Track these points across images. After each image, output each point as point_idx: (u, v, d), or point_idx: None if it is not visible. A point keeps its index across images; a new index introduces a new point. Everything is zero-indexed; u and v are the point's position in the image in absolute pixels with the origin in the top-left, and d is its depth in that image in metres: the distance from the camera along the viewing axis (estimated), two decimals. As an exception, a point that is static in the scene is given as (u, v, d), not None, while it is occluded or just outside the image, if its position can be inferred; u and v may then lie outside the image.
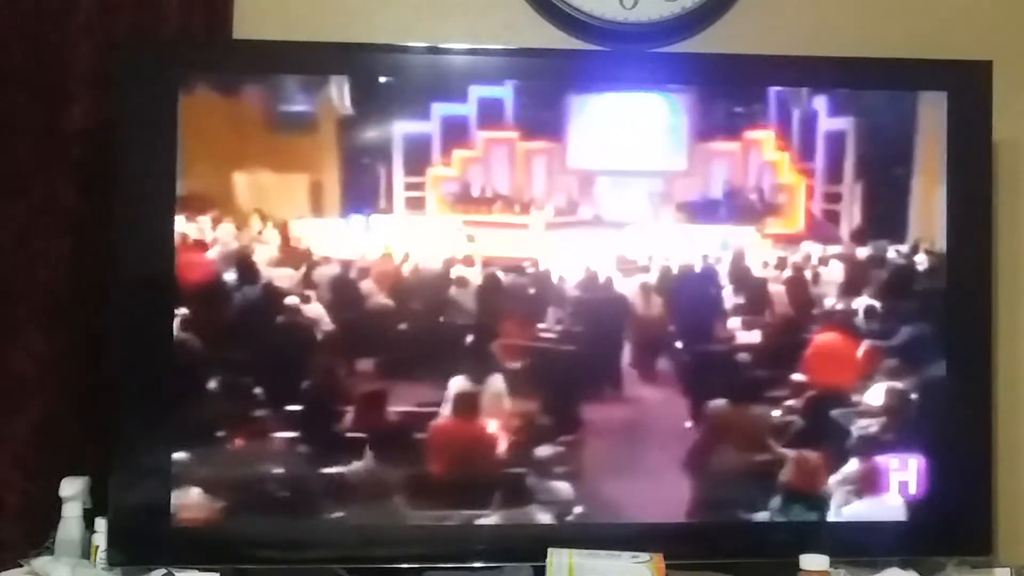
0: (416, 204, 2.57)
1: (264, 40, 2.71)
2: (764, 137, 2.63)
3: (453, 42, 2.64)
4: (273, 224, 2.54)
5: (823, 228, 2.65)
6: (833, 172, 2.65)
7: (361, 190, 2.56)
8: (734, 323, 2.64)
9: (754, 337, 2.64)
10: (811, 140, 2.64)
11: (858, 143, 2.64)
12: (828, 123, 2.64)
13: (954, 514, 2.63)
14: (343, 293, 2.57)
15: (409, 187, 2.57)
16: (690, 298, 2.65)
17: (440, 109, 2.58)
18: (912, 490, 2.63)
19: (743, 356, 2.64)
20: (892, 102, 2.66)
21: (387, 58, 2.60)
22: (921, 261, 2.65)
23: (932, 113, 2.65)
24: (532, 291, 2.61)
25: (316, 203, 2.55)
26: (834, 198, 2.65)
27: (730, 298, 2.64)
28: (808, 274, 2.64)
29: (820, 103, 2.64)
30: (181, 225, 2.50)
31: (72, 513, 2.50)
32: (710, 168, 2.64)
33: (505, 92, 2.59)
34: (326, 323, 2.55)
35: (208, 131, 2.53)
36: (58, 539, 2.49)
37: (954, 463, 2.64)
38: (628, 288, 2.61)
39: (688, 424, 2.62)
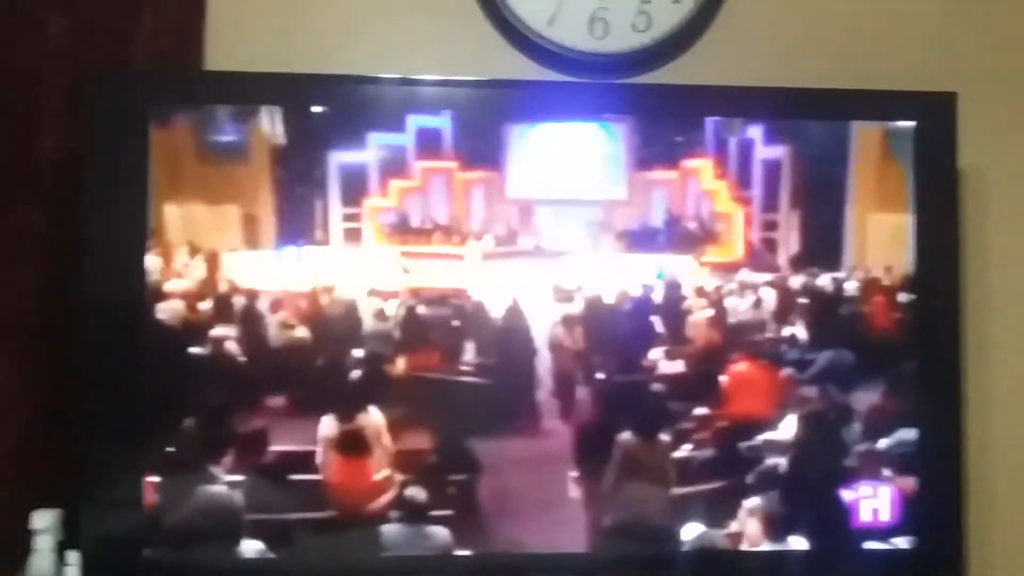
0: (353, 235, 2.59)
1: (237, 72, 2.70)
2: (702, 166, 2.66)
3: (427, 73, 2.65)
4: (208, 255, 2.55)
5: (761, 256, 2.67)
6: (770, 200, 2.68)
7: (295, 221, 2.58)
8: (657, 353, 2.65)
9: (681, 366, 2.65)
10: (747, 169, 2.67)
11: (795, 172, 2.68)
12: (764, 151, 2.68)
13: (926, 538, 2.65)
14: (261, 327, 2.58)
15: (346, 218, 2.58)
16: (619, 328, 2.66)
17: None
18: (884, 517, 2.65)
19: (670, 386, 2.65)
20: (829, 131, 2.70)
21: (328, 88, 2.61)
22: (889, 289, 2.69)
23: (868, 142, 2.69)
24: (455, 323, 2.62)
25: (250, 235, 2.56)
26: (770, 226, 2.68)
27: (660, 327, 2.65)
28: (753, 300, 2.67)
29: (756, 132, 2.68)
30: (151, 255, 2.50)
31: (44, 546, 2.48)
32: (650, 197, 2.67)
33: (443, 122, 2.61)
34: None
35: (179, 161, 2.54)
36: (30, 572, 2.48)
37: (925, 490, 2.66)
38: (551, 319, 2.62)
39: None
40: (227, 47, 2.77)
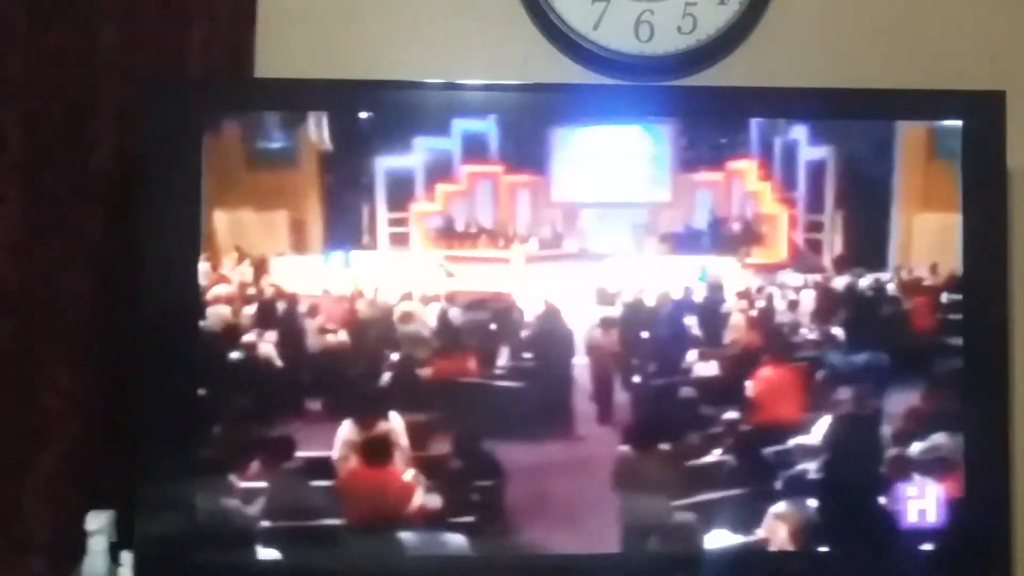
0: (400, 240, 2.60)
1: (286, 79, 2.73)
2: (746, 167, 2.65)
3: (473, 77, 2.68)
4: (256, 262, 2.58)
5: (805, 257, 2.66)
6: (814, 201, 2.66)
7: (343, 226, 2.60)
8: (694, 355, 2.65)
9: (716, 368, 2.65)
10: (792, 170, 2.66)
11: (839, 172, 2.67)
12: (809, 152, 2.67)
13: (973, 541, 2.63)
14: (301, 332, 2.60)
15: (392, 223, 2.60)
16: (658, 330, 2.65)
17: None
18: (931, 518, 2.64)
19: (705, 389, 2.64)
20: (874, 131, 2.68)
21: (373, 93, 2.63)
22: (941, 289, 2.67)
23: (913, 142, 2.68)
24: (492, 327, 2.63)
25: (298, 240, 2.59)
26: (815, 227, 2.67)
27: (699, 330, 2.66)
28: (790, 301, 2.67)
29: (801, 133, 2.66)
30: (204, 264, 2.54)
31: (98, 547, 2.52)
32: (694, 199, 2.67)
33: (488, 126, 2.62)
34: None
35: (230, 168, 2.58)
36: (84, 573, 2.52)
37: (974, 491, 2.64)
38: (589, 322, 2.62)
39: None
40: (276, 56, 2.80)
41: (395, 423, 2.57)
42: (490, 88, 2.66)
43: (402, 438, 2.57)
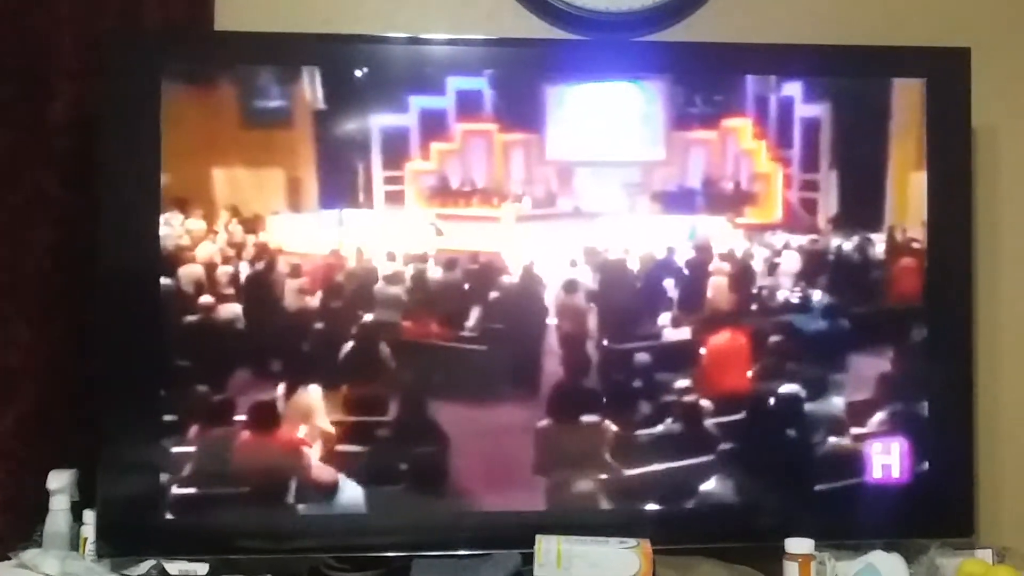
0: (394, 198, 2.58)
1: (246, 32, 2.70)
2: (741, 125, 2.64)
3: (434, 32, 2.65)
4: (243, 219, 2.55)
5: (799, 216, 2.66)
6: (809, 160, 2.66)
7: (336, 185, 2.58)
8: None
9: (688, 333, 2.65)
10: (788, 128, 2.66)
11: (833, 130, 2.67)
12: (803, 110, 2.66)
13: (937, 497, 2.66)
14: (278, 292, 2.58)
15: (388, 181, 2.58)
16: (637, 290, 2.65)
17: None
18: (895, 473, 2.66)
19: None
20: (867, 89, 2.68)
21: (365, 49, 2.60)
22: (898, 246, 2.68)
23: (907, 100, 2.67)
24: (466, 287, 2.61)
25: (293, 198, 2.56)
26: (811, 186, 2.67)
27: (678, 291, 2.65)
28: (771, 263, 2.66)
29: (795, 90, 2.65)
30: (165, 217, 2.51)
31: (60, 506, 2.50)
32: (687, 157, 2.65)
33: (482, 83, 2.59)
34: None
35: (190, 123, 2.54)
36: (46, 532, 2.49)
37: (936, 446, 2.67)
38: (564, 282, 2.61)
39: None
40: (234, 11, 2.76)
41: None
42: (485, 43, 2.66)
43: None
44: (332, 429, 2.56)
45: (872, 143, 2.68)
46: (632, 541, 2.44)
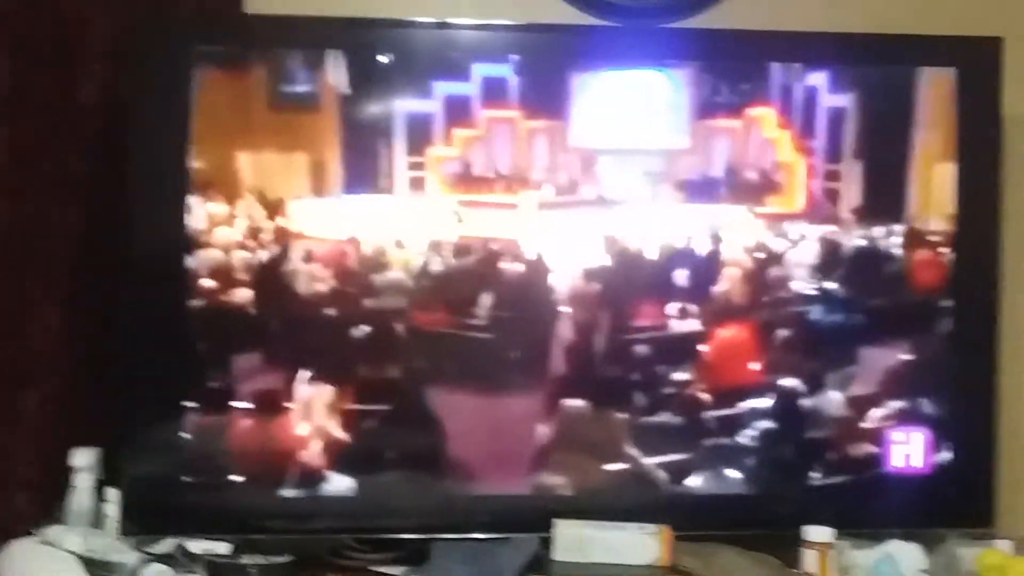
0: (417, 184, 2.57)
1: (276, 15, 2.72)
2: (765, 114, 2.63)
3: (460, 17, 2.65)
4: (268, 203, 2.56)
5: (821, 206, 2.65)
6: (833, 150, 2.65)
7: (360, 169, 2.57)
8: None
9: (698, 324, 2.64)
10: (812, 117, 2.64)
11: (859, 120, 2.64)
12: (829, 99, 2.64)
13: (956, 487, 2.66)
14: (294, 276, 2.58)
15: (411, 167, 2.57)
16: (650, 280, 2.64)
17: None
18: (915, 463, 2.65)
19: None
20: (894, 78, 2.66)
21: (390, 34, 2.61)
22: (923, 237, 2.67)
23: (936, 90, 2.65)
24: (486, 274, 2.60)
25: (317, 182, 2.57)
26: (833, 176, 2.65)
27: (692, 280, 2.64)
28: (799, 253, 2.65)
29: (820, 79, 2.64)
30: (193, 200, 2.52)
31: (83, 484, 2.52)
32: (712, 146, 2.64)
33: (507, 70, 2.59)
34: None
35: (219, 107, 2.55)
36: (69, 509, 2.51)
37: (957, 437, 2.66)
38: (578, 270, 2.60)
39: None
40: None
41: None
42: (512, 28, 2.66)
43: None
44: (355, 413, 2.57)
45: (898, 133, 2.66)
46: (652, 527, 2.45)
